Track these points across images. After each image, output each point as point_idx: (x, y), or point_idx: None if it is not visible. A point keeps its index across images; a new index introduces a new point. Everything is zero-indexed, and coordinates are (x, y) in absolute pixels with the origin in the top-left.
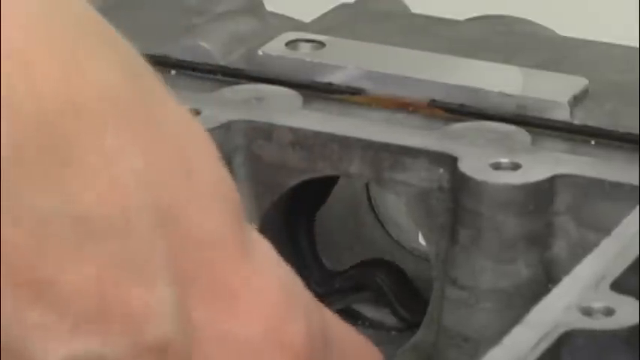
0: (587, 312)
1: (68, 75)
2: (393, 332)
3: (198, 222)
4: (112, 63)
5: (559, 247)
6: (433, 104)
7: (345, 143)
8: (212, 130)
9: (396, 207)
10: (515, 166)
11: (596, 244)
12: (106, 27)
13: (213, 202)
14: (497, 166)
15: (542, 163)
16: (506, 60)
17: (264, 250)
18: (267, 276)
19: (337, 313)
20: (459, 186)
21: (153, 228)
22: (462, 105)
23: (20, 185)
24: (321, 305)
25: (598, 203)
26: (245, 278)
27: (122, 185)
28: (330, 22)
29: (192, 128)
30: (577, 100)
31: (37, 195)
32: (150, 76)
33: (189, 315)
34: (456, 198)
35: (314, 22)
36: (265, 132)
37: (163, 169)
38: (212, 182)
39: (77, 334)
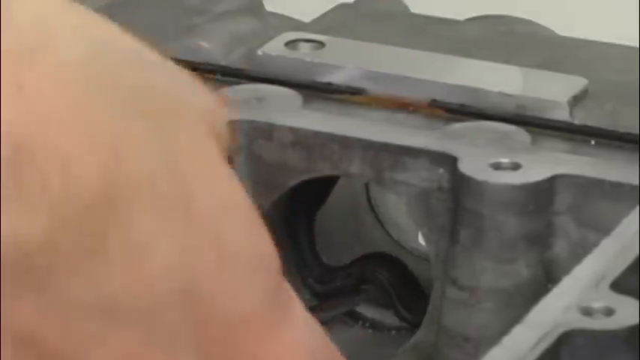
0: (587, 312)
1: (105, 170)
2: (393, 332)
3: (228, 303)
4: (153, 149)
5: (559, 247)
6: (433, 104)
7: (345, 143)
8: None
9: (396, 207)
10: (516, 166)
11: (596, 244)
12: (162, 92)
13: (246, 279)
14: (497, 166)
15: (542, 163)
16: (506, 60)
17: (298, 320)
18: (298, 353)
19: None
20: (459, 186)
21: (180, 313)
22: (462, 105)
23: (50, 272)
24: None
25: (598, 203)
26: (275, 357)
27: (150, 275)
28: (329, 22)
29: (230, 198)
30: (577, 100)
31: (67, 285)
32: (190, 143)
33: None
34: (456, 198)
35: (314, 22)
36: (265, 132)
37: (194, 256)
38: (247, 257)
39: None
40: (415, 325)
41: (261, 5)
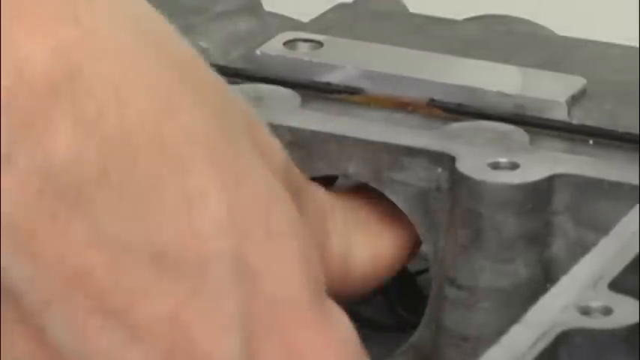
0: (586, 311)
1: (159, 116)
2: (392, 332)
3: (276, 282)
4: (206, 114)
5: (557, 247)
6: (432, 104)
7: (344, 143)
8: None
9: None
10: (514, 166)
11: (594, 244)
12: (206, 74)
13: (293, 265)
14: (495, 166)
15: (540, 163)
16: (505, 60)
17: (341, 326)
18: (345, 347)
19: None
20: (458, 185)
21: (229, 277)
22: (460, 104)
23: (103, 210)
24: None
25: (596, 203)
26: (318, 350)
27: (201, 229)
28: (328, 22)
29: (276, 190)
30: (575, 100)
31: (118, 222)
32: (237, 111)
33: None
34: (455, 197)
35: (312, 21)
36: None
37: (245, 222)
38: (293, 246)
39: None
40: (414, 325)
41: (260, 5)
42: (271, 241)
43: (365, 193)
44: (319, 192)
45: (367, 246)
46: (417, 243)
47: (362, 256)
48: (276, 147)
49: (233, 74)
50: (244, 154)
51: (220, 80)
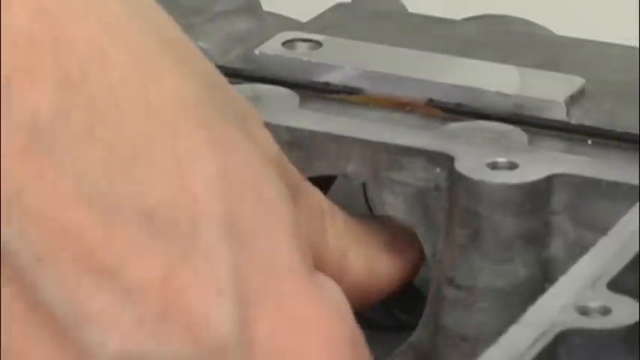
0: (584, 311)
1: (146, 79)
2: (391, 332)
3: (267, 247)
4: (195, 84)
5: (556, 247)
6: (430, 104)
7: (343, 143)
8: None
9: (393, 207)
10: (512, 166)
11: (593, 244)
12: (196, 52)
13: (284, 232)
14: (494, 166)
15: (539, 163)
16: (504, 59)
17: (334, 296)
18: (338, 317)
19: None
20: (456, 185)
21: (220, 239)
22: (459, 104)
23: (91, 168)
24: None
25: (595, 203)
26: (315, 315)
27: (192, 190)
28: (327, 22)
29: (266, 167)
30: (574, 100)
31: (107, 181)
32: (230, 98)
33: (249, 331)
34: (453, 197)
35: (311, 21)
36: None
37: (236, 185)
38: (283, 213)
39: (138, 331)
40: (412, 326)
41: (259, 5)
42: (262, 205)
43: (368, 217)
44: (318, 192)
45: (363, 257)
46: (419, 262)
47: (357, 266)
48: (269, 140)
49: (232, 74)
50: (235, 129)
51: (212, 65)
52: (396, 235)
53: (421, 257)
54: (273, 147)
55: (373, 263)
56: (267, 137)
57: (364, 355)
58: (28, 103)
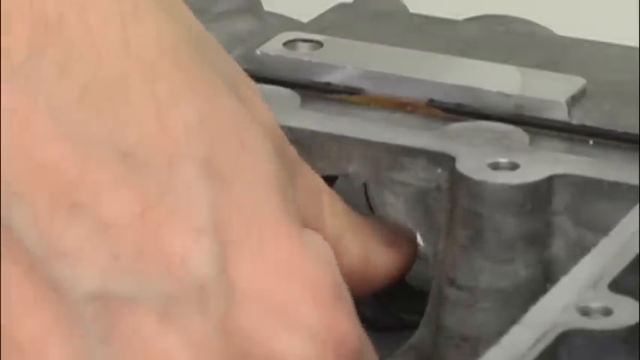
0: (585, 312)
1: (125, 21)
2: (393, 332)
3: (250, 193)
4: (173, 25)
5: (557, 247)
6: (431, 104)
7: (344, 143)
8: None
9: (394, 207)
10: (514, 166)
11: (594, 244)
12: (183, 6)
13: (267, 178)
14: (495, 166)
15: (540, 163)
16: (505, 60)
17: (320, 247)
18: (321, 265)
19: None
20: (457, 186)
21: (199, 178)
22: (460, 105)
23: (67, 105)
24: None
25: (596, 203)
26: (298, 260)
27: (171, 130)
28: (328, 22)
29: (253, 122)
30: (575, 100)
31: (84, 118)
32: (223, 61)
33: (230, 272)
34: (454, 198)
35: (312, 21)
36: None
37: (217, 130)
38: (266, 161)
39: (114, 268)
40: (414, 326)
41: (260, 5)
42: (245, 151)
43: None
44: (316, 175)
45: (359, 244)
46: (413, 258)
47: (352, 252)
48: (264, 109)
49: None
50: (222, 84)
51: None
52: (392, 229)
53: (415, 253)
54: (267, 115)
55: (369, 251)
56: (262, 106)
57: (348, 305)
58: (3, 43)
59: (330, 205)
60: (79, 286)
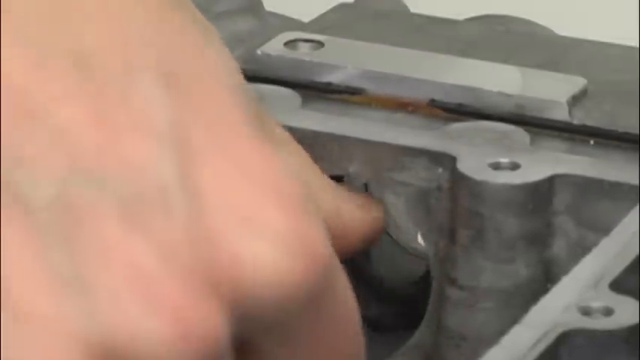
0: (586, 312)
1: None
2: (393, 332)
3: (211, 101)
4: None
5: (558, 247)
6: (432, 104)
7: (345, 143)
8: None
9: (395, 207)
10: (514, 166)
11: (595, 244)
12: None
13: (230, 93)
14: (496, 166)
15: (541, 163)
16: (505, 60)
17: (290, 155)
18: (289, 174)
19: None
20: (458, 186)
21: (158, 88)
22: (460, 105)
23: (22, 14)
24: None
25: (597, 203)
26: (264, 165)
27: (126, 37)
28: (329, 22)
29: (208, 33)
30: (576, 100)
31: (39, 25)
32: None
33: (194, 179)
34: (455, 198)
35: (313, 21)
36: None
37: (174, 40)
38: (227, 75)
39: (73, 175)
40: (414, 326)
41: (261, 5)
42: (205, 64)
43: None
44: (281, 126)
45: (331, 197)
46: (380, 227)
47: (323, 209)
48: (230, 58)
49: None
50: (187, 17)
51: None
52: (359, 194)
53: (381, 223)
54: (234, 65)
55: (340, 209)
56: (229, 55)
57: (317, 219)
58: None
59: (296, 154)
60: (39, 194)
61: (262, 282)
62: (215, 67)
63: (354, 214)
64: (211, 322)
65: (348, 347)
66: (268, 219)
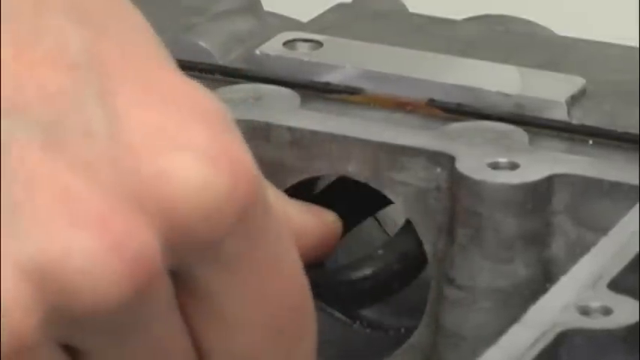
0: (585, 311)
1: None
2: (392, 332)
3: (125, 37)
4: None
5: (557, 247)
6: (431, 104)
7: (344, 143)
8: None
9: (394, 207)
10: (513, 166)
11: (594, 244)
12: None
13: (143, 32)
14: (495, 166)
15: (540, 163)
16: (504, 59)
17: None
18: (209, 96)
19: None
20: (457, 185)
21: (71, 24)
22: (459, 104)
23: None
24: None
25: (596, 203)
26: (183, 88)
27: None
28: (327, 22)
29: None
30: (574, 100)
31: None
32: None
33: (112, 102)
34: (454, 197)
35: (312, 21)
36: (263, 132)
37: None
38: (137, 12)
39: None
40: (413, 326)
41: (260, 5)
42: (117, 5)
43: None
44: None
45: (275, 197)
46: (335, 236)
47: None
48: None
49: (233, 74)
50: None
51: None
52: (308, 204)
53: (336, 231)
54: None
55: (287, 207)
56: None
57: (241, 138)
58: None
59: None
60: None
61: (188, 195)
62: (127, 9)
63: (302, 216)
64: (141, 235)
65: (289, 290)
66: (191, 135)
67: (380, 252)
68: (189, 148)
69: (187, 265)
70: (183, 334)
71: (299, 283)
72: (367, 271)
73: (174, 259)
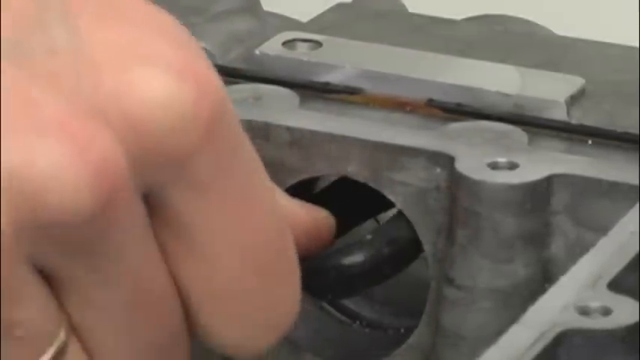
0: (585, 311)
1: None
2: (391, 332)
3: None
4: None
5: (556, 247)
6: (430, 104)
7: (343, 143)
8: None
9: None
10: (513, 166)
11: (593, 244)
12: None
13: None
14: (494, 166)
15: (539, 163)
16: (504, 59)
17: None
18: (172, 19)
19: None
20: (457, 185)
21: None
22: (459, 104)
23: None
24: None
25: (595, 203)
26: (146, 9)
27: None
28: (327, 22)
29: None
30: (574, 100)
31: None
32: None
33: (73, 20)
34: (454, 197)
35: (311, 21)
36: (263, 132)
37: None
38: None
39: None
40: (413, 325)
41: (259, 5)
42: None
43: None
44: None
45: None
46: (328, 236)
47: None
48: None
49: (232, 74)
50: None
51: None
52: (298, 200)
53: (329, 226)
54: None
55: (277, 196)
56: None
57: (205, 58)
58: None
59: None
60: None
61: (153, 108)
62: None
63: (293, 208)
64: (104, 141)
65: (264, 223)
66: (155, 50)
67: (369, 237)
68: (152, 62)
69: (159, 187)
70: (160, 270)
71: (275, 219)
72: (358, 257)
73: (144, 177)
